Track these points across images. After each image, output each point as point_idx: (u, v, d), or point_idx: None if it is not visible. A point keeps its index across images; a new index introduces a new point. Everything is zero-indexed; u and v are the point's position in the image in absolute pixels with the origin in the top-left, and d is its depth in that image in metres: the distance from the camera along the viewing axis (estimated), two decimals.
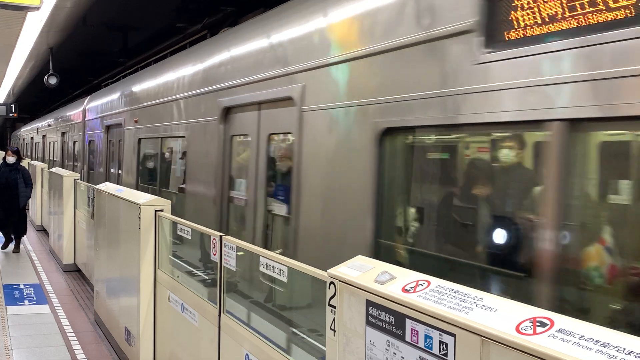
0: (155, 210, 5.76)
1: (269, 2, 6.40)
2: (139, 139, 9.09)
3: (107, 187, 7.60)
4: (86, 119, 14.11)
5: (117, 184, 9.45)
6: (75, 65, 19.83)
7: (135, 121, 9.11)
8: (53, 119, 21.46)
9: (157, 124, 8.19)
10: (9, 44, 13.87)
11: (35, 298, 8.98)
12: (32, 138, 29.41)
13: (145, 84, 9.22)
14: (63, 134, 18.01)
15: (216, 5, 10.22)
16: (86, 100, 14.82)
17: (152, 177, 8.82)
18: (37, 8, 8.17)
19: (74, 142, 15.77)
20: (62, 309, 8.51)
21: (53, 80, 16.29)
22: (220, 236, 4.25)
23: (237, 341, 4.01)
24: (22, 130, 39.14)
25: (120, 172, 10.46)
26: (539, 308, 1.98)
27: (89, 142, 13.56)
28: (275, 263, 3.50)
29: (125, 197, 6.36)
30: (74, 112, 16.22)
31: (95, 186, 8.21)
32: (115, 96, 11.27)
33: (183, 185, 7.13)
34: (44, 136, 23.74)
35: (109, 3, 11.88)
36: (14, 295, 9.04)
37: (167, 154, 8.27)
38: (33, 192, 16.79)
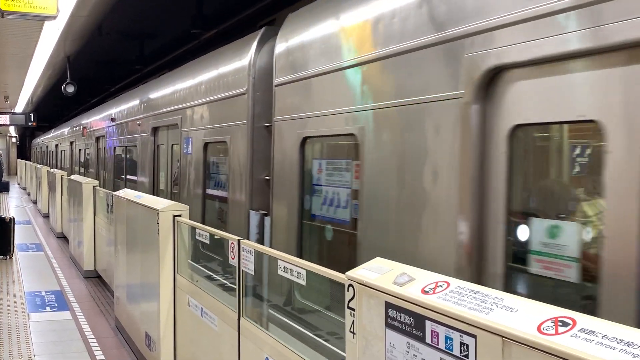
0: (174, 216, 5.79)
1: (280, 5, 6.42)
2: None
3: (126, 193, 7.65)
4: (277, 83, 5.24)
5: None
6: (92, 74, 20.03)
7: None
8: (131, 104, 11.43)
9: None
10: (26, 53, 14.04)
11: (56, 305, 9.06)
12: (71, 143, 20.66)
13: None
14: (155, 130, 9.38)
15: (231, 12, 10.27)
16: (254, 42, 5.90)
17: None
18: (54, 17, 8.25)
19: (207, 144, 6.92)
20: (83, 315, 8.58)
21: (70, 89, 16.45)
22: (238, 240, 4.26)
23: (258, 345, 4.01)
24: (49, 135, 31.69)
25: None
26: (560, 308, 1.96)
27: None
28: (294, 266, 3.50)
29: (143, 203, 6.40)
30: (204, 79, 7.13)
31: (114, 193, 8.25)
32: None
33: None
34: (97, 139, 14.94)
35: (124, 12, 11.98)
36: (35, 302, 9.13)
37: None
38: (53, 200, 16.91)
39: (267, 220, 5.29)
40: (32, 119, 25.00)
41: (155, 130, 9.37)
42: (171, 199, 7.45)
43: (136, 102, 10.95)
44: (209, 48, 8.62)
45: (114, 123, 12.81)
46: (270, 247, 4.96)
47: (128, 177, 11.31)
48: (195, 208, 6.87)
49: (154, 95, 9.65)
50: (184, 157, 7.55)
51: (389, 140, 3.66)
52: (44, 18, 8.37)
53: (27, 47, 13.11)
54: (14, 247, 12.51)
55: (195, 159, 7.17)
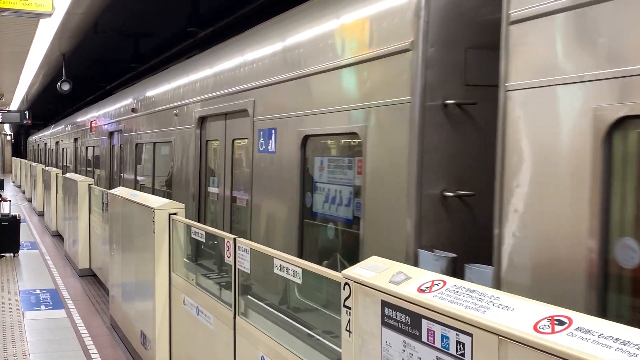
0: (169, 214, 5.78)
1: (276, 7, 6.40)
2: None
3: (122, 191, 7.63)
4: (523, 16, 2.59)
5: None
6: (87, 72, 19.99)
7: None
8: (163, 89, 8.90)
9: None
10: (22, 51, 14.00)
11: (51, 303, 9.03)
12: (75, 140, 18.08)
13: None
14: (202, 121, 7.02)
15: (227, 10, 10.26)
16: None
17: None
18: (50, 15, 8.23)
19: (309, 138, 4.65)
20: (78, 313, 8.56)
21: (66, 87, 16.40)
22: (234, 239, 4.26)
23: (253, 344, 4.01)
24: (47, 132, 28.28)
25: None
26: (557, 307, 1.96)
27: None
28: (290, 265, 3.49)
29: (139, 201, 6.39)
30: (304, 39, 4.73)
31: (109, 191, 8.23)
32: None
33: None
34: (111, 134, 12.56)
35: (120, 10, 11.96)
36: (30, 300, 9.10)
37: None
38: (48, 198, 16.88)
39: (483, 272, 2.88)
40: (27, 117, 24.94)
41: (202, 120, 6.96)
42: (230, 218, 6.04)
43: (170, 86, 8.39)
44: (205, 47, 8.59)
45: (135, 115, 10.31)
46: None
47: (157, 180, 9.04)
48: (282, 234, 4.88)
49: (201, 74, 7.12)
50: (260, 159, 5.30)
51: None
52: (39, 15, 8.35)
53: (22, 44, 13.07)
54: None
55: (285, 161, 4.90)
